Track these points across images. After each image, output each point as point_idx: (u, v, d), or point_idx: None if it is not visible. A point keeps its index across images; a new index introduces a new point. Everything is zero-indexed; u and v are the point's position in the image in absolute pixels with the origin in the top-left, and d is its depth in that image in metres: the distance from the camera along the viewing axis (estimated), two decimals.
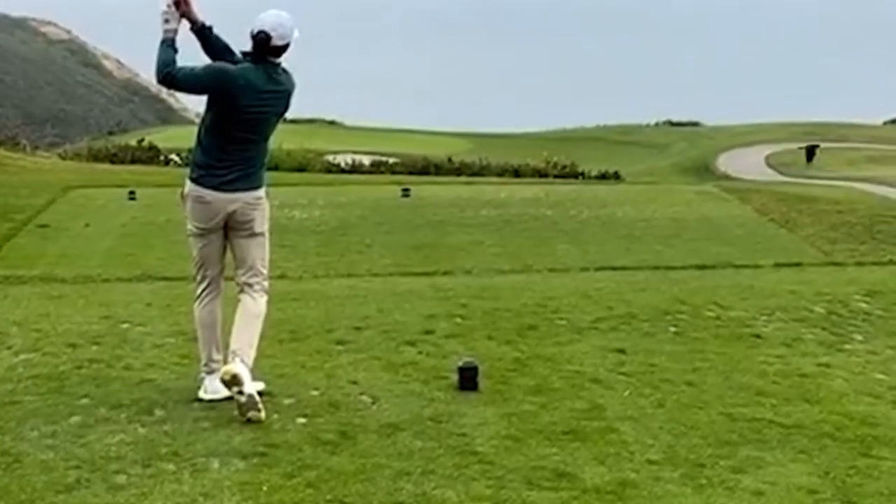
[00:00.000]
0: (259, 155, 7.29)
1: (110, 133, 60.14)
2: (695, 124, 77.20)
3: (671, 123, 78.42)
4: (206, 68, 7.14)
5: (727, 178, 47.63)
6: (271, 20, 7.03)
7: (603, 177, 38.79)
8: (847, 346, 9.08)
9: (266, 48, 7.04)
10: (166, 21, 7.14)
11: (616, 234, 19.71)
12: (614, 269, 13.89)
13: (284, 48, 7.10)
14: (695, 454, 6.43)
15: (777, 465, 6.28)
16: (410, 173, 37.13)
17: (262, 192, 7.31)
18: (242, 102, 7.04)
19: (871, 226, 21.01)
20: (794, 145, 58.55)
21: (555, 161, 40.74)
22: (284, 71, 7.23)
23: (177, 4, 7.18)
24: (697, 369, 8.22)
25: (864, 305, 10.54)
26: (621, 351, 8.73)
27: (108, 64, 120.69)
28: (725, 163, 56.14)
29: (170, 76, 7.03)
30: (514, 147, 55.50)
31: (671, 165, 56.26)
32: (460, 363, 7.71)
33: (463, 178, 34.60)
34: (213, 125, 7.18)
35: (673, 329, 9.51)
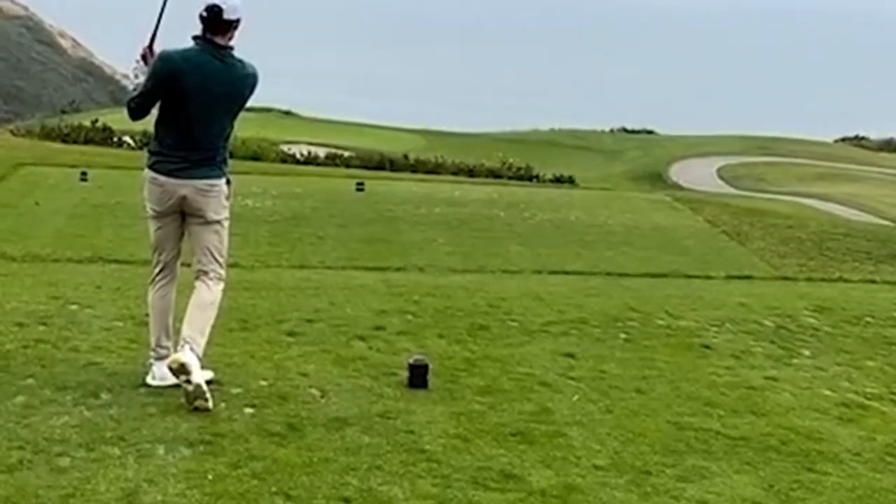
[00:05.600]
0: (213, 143, 7.18)
1: (63, 112, 59.40)
2: (649, 132, 77.50)
3: (626, 130, 78.66)
4: (150, 68, 7.10)
5: (679, 187, 47.92)
6: None
7: (557, 180, 38.90)
8: (795, 361, 9.13)
9: (218, 23, 6.96)
10: (136, 76, 7.20)
11: (569, 238, 19.78)
12: (567, 273, 13.91)
13: (235, 25, 7.02)
14: (641, 461, 6.45)
15: (722, 476, 6.32)
16: (365, 167, 37.07)
17: (218, 180, 7.23)
18: (187, 84, 6.96)
19: (821, 242, 21.24)
20: (746, 158, 59.02)
21: (510, 162, 40.77)
22: (239, 60, 7.13)
23: (144, 59, 7.20)
24: (646, 377, 8.25)
25: (812, 321, 10.61)
26: (571, 355, 8.74)
27: (63, 42, 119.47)
28: (677, 172, 56.43)
29: (129, 105, 7.15)
30: (469, 146, 55.38)
31: (624, 172, 56.47)
32: (411, 360, 7.69)
33: (418, 175, 34.58)
34: (163, 113, 7.12)
35: (623, 336, 9.54)
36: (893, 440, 7.21)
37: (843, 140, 77.12)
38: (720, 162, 59.53)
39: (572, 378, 8.10)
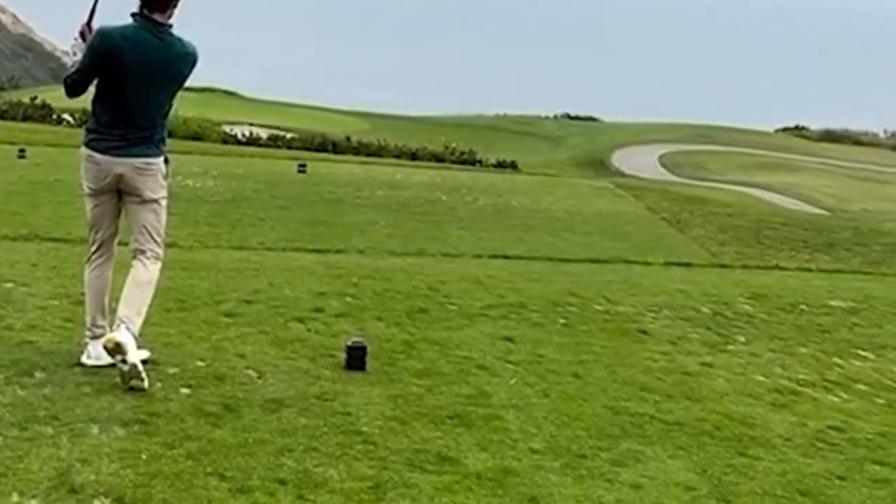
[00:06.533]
0: (151, 121, 7.11)
1: (1, 88, 58.75)
2: (592, 119, 77.89)
3: (569, 117, 79.01)
4: (88, 45, 7.03)
5: (621, 174, 48.20)
6: None
7: (500, 165, 38.98)
8: (730, 347, 9.23)
9: (157, 0, 6.90)
10: (74, 53, 7.13)
11: (511, 223, 19.82)
12: (507, 257, 13.96)
13: (174, 3, 6.93)
14: (577, 445, 6.49)
15: (656, 461, 6.37)
16: (307, 149, 36.94)
17: (155, 159, 7.16)
18: (125, 61, 6.87)
19: (759, 231, 21.45)
20: (688, 147, 59.50)
21: (453, 147, 40.81)
22: (178, 38, 7.06)
23: (83, 36, 7.12)
24: (584, 362, 8.29)
25: (748, 308, 10.72)
26: (510, 339, 8.77)
27: (3, 17, 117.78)
28: (620, 159, 56.78)
29: (66, 82, 7.06)
30: (412, 130, 55.37)
31: (567, 159, 56.69)
32: (349, 342, 7.67)
33: (360, 158, 34.51)
34: (100, 90, 7.04)
35: (562, 321, 9.58)
36: (824, 426, 7.32)
37: (785, 130, 77.83)
38: (662, 149, 59.96)
39: (510, 362, 8.13)
